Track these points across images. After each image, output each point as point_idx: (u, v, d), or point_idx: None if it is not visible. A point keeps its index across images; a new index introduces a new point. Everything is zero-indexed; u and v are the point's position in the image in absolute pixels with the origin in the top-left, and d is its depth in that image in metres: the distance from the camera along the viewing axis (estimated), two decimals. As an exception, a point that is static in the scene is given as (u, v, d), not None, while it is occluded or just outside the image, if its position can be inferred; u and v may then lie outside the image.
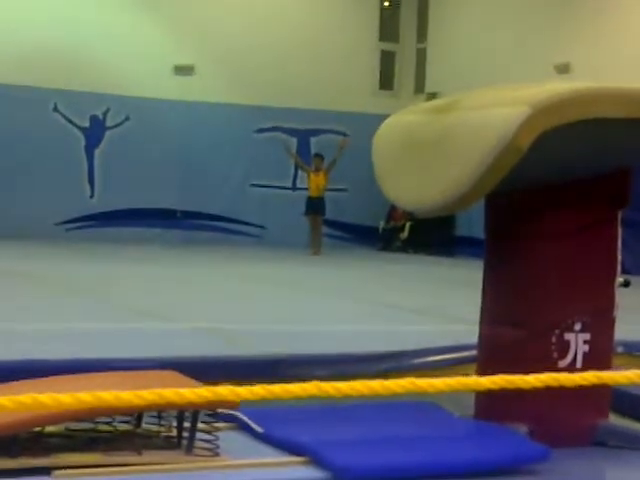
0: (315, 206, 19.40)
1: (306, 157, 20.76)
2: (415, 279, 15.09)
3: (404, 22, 23.52)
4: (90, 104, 20.79)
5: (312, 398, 2.42)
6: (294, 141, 22.21)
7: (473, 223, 17.92)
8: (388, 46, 23.45)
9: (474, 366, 5.04)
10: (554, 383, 2.52)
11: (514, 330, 4.77)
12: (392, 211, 21.70)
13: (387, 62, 23.45)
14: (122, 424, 4.33)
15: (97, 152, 21.11)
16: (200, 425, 4.21)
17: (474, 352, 5.18)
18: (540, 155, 4.30)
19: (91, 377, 4.38)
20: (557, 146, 4.43)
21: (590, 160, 4.72)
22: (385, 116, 5.17)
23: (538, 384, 2.49)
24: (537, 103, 4.23)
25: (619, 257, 4.90)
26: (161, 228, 21.35)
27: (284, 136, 21.85)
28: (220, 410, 4.40)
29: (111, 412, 4.13)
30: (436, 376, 2.61)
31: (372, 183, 5.38)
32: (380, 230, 22.51)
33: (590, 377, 2.58)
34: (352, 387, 2.36)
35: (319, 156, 19.93)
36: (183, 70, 21.43)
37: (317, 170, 19.56)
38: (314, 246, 19.16)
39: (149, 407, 4.12)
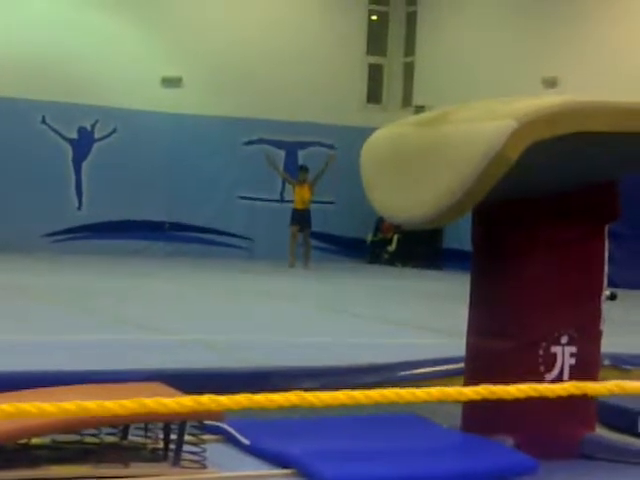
0: (300, 218, 19.42)
1: (293, 170, 20.78)
2: (402, 292, 15.10)
3: (392, 35, 23.59)
4: (78, 116, 20.77)
5: (295, 408, 2.42)
6: (281, 154, 22.23)
7: (461, 236, 17.94)
8: (376, 59, 23.51)
9: (461, 379, 5.04)
10: (534, 393, 2.53)
11: (501, 343, 4.78)
12: (380, 223, 21.73)
13: (375, 75, 23.51)
14: (108, 436, 4.31)
15: (85, 164, 21.09)
16: (187, 437, 4.21)
17: (461, 365, 5.18)
18: (528, 167, 4.32)
19: (75, 389, 4.36)
20: (545, 159, 4.45)
21: (578, 173, 4.73)
22: (373, 129, 5.18)
23: (519, 394, 2.50)
24: (525, 116, 4.25)
25: (606, 270, 4.92)
26: (149, 240, 21.32)
27: (270, 148, 21.86)
28: (207, 422, 4.39)
29: (97, 423, 4.12)
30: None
31: (360, 195, 5.39)
32: (368, 242, 22.53)
33: (570, 387, 2.59)
34: (334, 397, 2.36)
35: (304, 169, 19.95)
36: (171, 82, 21.44)
37: (302, 182, 19.60)
38: (305, 258, 19.14)
39: (134, 418, 4.11)
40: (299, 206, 19.50)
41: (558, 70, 18.79)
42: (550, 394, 2.56)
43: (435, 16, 22.40)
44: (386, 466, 4.20)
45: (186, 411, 2.33)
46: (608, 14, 18.48)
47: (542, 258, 4.78)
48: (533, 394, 2.51)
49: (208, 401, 2.27)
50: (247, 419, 4.72)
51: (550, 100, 4.51)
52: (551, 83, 18.77)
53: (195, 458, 4.16)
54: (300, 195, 19.50)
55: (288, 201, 20.87)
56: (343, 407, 5.02)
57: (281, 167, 21.15)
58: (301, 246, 19.45)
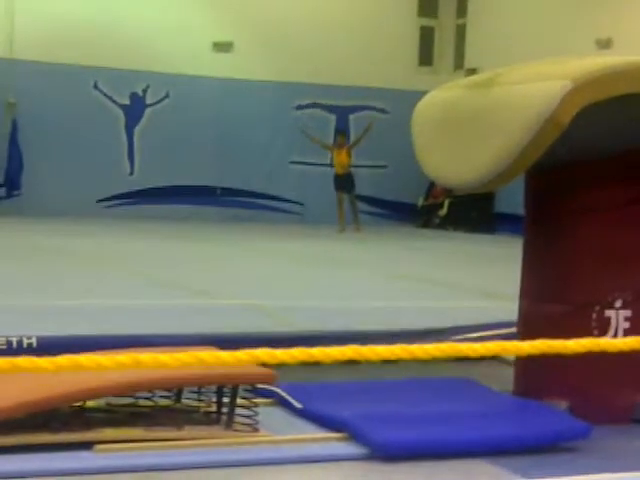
0: (342, 183, 19.34)
1: (345, 135, 20.68)
2: (454, 256, 15.04)
3: (443, -3, 23.37)
4: (130, 82, 20.85)
5: (349, 373, 2.41)
6: (332, 118, 22.14)
7: (513, 200, 17.79)
8: (427, 22, 23.30)
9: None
10: (595, 348, 2.49)
11: (554, 307, 4.75)
12: (431, 188, 21.62)
13: (426, 38, 23.31)
14: (162, 399, 4.35)
15: (137, 129, 21.18)
16: (239, 400, 4.23)
17: (514, 329, 5.16)
18: (581, 130, 4.26)
19: (129, 352, 4.39)
20: (599, 121, 4.39)
21: (632, 135, 4.67)
22: (424, 92, 5.14)
23: (579, 349, 2.46)
24: (579, 77, 4.19)
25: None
26: (200, 205, 21.39)
27: (317, 112, 21.77)
28: (259, 385, 4.41)
29: (152, 386, 4.16)
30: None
31: (411, 160, 5.36)
32: (419, 207, 22.45)
33: (633, 343, 2.55)
34: (391, 351, 2.34)
35: (342, 132, 19.86)
36: (222, 47, 21.42)
37: (340, 147, 19.52)
38: (354, 222, 19.11)
39: (188, 379, 4.14)
40: (339, 171, 19.44)
41: (612, 31, 18.52)
42: (611, 349, 2.52)
43: (487, -23, 22.14)
44: (437, 430, 4.20)
45: (240, 365, 2.32)
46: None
47: (594, 222, 4.73)
48: (593, 349, 2.48)
49: (263, 355, 2.26)
50: (299, 383, 4.74)
51: (604, 60, 4.44)
52: (605, 44, 18.51)
53: (247, 421, 4.18)
54: (339, 159, 19.43)
55: (339, 165, 20.81)
56: (397, 370, 5.01)
57: (312, 135, 20.73)
58: (349, 210, 19.41)
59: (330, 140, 20.99)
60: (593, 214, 4.72)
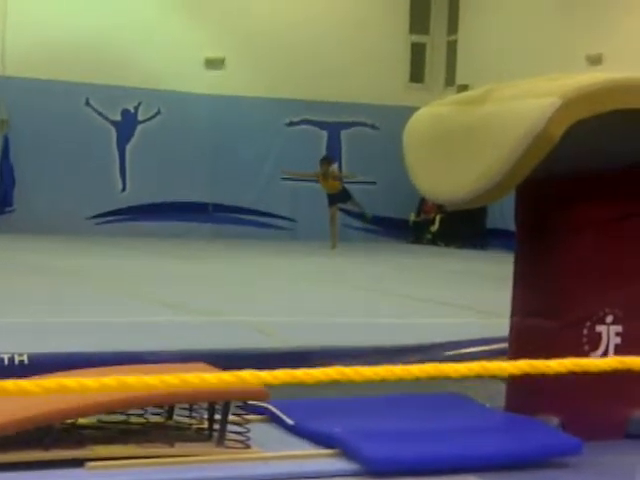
0: (336, 199, 19.18)
1: (336, 150, 20.69)
2: (446, 272, 15.05)
3: (435, 14, 23.43)
4: (122, 98, 20.86)
5: (341, 389, 2.42)
6: (323, 134, 22.18)
7: (505, 215, 17.83)
8: (418, 38, 23.37)
9: (505, 359, 5.03)
10: (577, 368, 2.50)
11: (545, 322, 4.75)
12: (422, 203, 21.65)
13: (417, 54, 23.37)
14: (154, 416, 4.35)
15: (129, 146, 21.18)
16: (231, 417, 4.23)
17: (505, 345, 5.16)
18: (572, 145, 4.28)
19: (120, 370, 4.40)
20: (589, 136, 4.41)
21: (623, 151, 4.69)
22: (416, 108, 5.16)
23: (561, 369, 2.47)
24: (569, 94, 4.21)
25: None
26: (192, 222, 21.38)
27: (309, 128, 21.81)
28: (251, 402, 4.41)
29: (143, 403, 4.16)
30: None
31: (402, 176, 5.37)
32: (410, 223, 22.47)
33: (613, 363, 2.56)
34: (375, 372, 2.34)
35: (326, 160, 19.47)
36: (214, 63, 21.46)
37: (325, 175, 19.04)
38: (361, 215, 19.01)
39: (179, 397, 4.14)
40: (331, 191, 19.24)
41: (603, 47, 18.59)
42: (593, 369, 2.53)
43: (478, -6, 22.22)
44: (429, 446, 4.20)
45: (226, 386, 2.33)
46: (654, -10, 18.25)
47: (586, 237, 4.74)
48: (575, 369, 2.49)
49: (249, 376, 2.27)
50: (291, 399, 4.74)
51: (594, 77, 4.46)
52: (596, 60, 18.58)
53: (239, 438, 4.18)
54: (326, 185, 19.06)
55: (331, 182, 20.81)
56: (388, 386, 5.02)
57: (292, 171, 20.50)
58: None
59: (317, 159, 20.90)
60: (584, 230, 4.74)
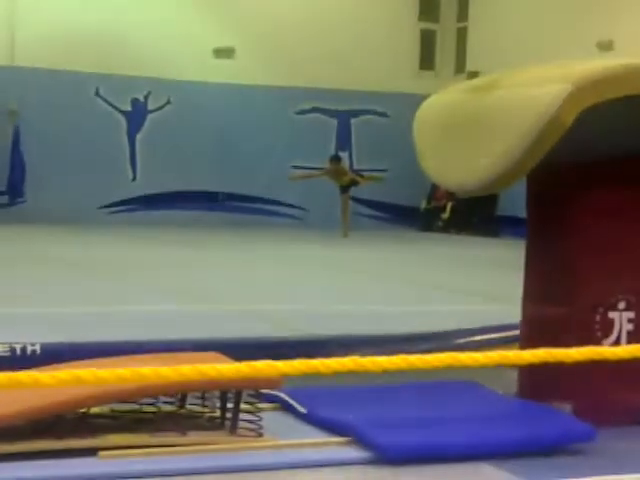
0: (347, 188, 19.15)
1: (346, 139, 20.66)
2: (457, 259, 15.03)
3: (444, 1, 23.36)
4: (132, 88, 20.87)
5: (353, 377, 2.42)
6: (333, 122, 22.14)
7: (516, 202, 17.77)
8: (428, 25, 23.31)
9: (517, 346, 5.02)
10: (596, 357, 2.50)
11: (557, 309, 4.74)
12: (434, 191, 21.62)
13: (427, 41, 23.31)
14: (166, 405, 4.35)
15: (139, 135, 21.20)
16: (243, 406, 4.23)
17: (517, 332, 5.15)
18: (584, 131, 4.27)
19: (133, 359, 4.40)
20: (601, 122, 4.39)
21: (635, 136, 4.67)
22: (426, 96, 5.14)
23: (580, 357, 2.46)
24: (581, 80, 4.20)
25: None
26: (203, 210, 21.40)
27: (319, 116, 21.75)
28: (263, 390, 4.41)
29: (155, 392, 4.16)
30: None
31: (413, 163, 5.36)
32: (422, 210, 22.44)
33: (634, 350, 2.55)
34: (391, 362, 2.34)
35: (335, 158, 19.49)
36: (223, 53, 21.44)
37: (335, 172, 19.02)
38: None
39: (192, 386, 4.14)
40: (342, 184, 19.22)
41: (613, 33, 18.51)
42: (612, 357, 2.52)
43: (488, -19, 22.14)
44: (442, 434, 4.20)
45: (242, 377, 2.33)
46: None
47: (598, 223, 4.73)
48: (595, 357, 2.48)
49: (264, 366, 2.27)
50: (303, 387, 4.73)
51: (606, 63, 4.45)
52: (606, 46, 18.49)
53: (252, 426, 4.18)
54: (337, 180, 19.05)
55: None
56: (400, 373, 5.02)
57: (300, 174, 20.38)
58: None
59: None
60: (596, 216, 4.72)
